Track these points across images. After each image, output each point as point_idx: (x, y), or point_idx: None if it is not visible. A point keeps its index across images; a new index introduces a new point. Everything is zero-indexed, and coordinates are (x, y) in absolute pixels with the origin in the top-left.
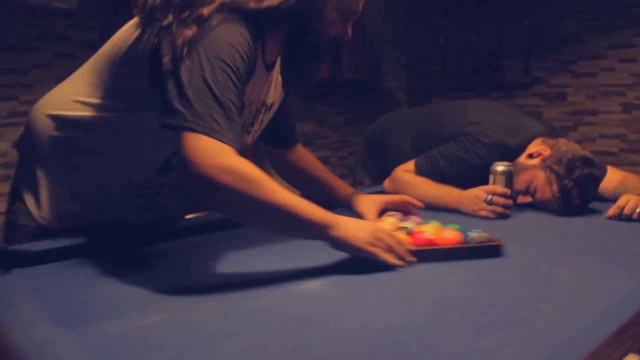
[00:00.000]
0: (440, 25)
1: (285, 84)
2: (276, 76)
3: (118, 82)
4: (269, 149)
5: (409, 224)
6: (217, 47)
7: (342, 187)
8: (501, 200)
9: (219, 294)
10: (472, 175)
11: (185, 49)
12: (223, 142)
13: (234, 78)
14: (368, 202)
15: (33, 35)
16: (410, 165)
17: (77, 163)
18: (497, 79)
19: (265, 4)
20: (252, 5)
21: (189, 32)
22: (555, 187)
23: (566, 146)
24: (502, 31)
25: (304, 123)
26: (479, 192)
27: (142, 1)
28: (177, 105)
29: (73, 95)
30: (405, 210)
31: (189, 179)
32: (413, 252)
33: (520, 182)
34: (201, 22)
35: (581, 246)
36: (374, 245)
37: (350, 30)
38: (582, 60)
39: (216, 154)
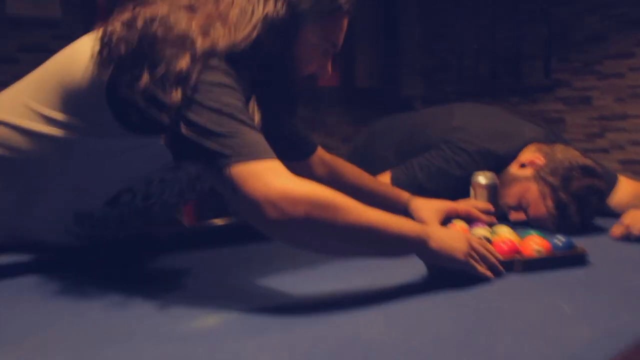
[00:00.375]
0: (456, 30)
1: (263, 117)
2: (251, 109)
3: (74, 106)
4: (290, 166)
5: (484, 231)
6: (212, 76)
7: (396, 192)
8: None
9: (79, 334)
10: (454, 187)
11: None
12: (272, 159)
13: (241, 98)
14: (430, 210)
15: (13, 47)
16: (386, 176)
17: (16, 177)
18: (515, 83)
19: (240, 47)
20: (225, 48)
21: (177, 97)
22: (549, 202)
23: (563, 153)
24: (521, 31)
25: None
26: None
27: (106, 38)
28: (209, 144)
29: (22, 105)
30: (470, 218)
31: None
32: (501, 263)
33: (511, 195)
34: (184, 81)
35: (564, 275)
36: (470, 256)
37: (330, 67)
38: (608, 59)
39: (277, 180)
